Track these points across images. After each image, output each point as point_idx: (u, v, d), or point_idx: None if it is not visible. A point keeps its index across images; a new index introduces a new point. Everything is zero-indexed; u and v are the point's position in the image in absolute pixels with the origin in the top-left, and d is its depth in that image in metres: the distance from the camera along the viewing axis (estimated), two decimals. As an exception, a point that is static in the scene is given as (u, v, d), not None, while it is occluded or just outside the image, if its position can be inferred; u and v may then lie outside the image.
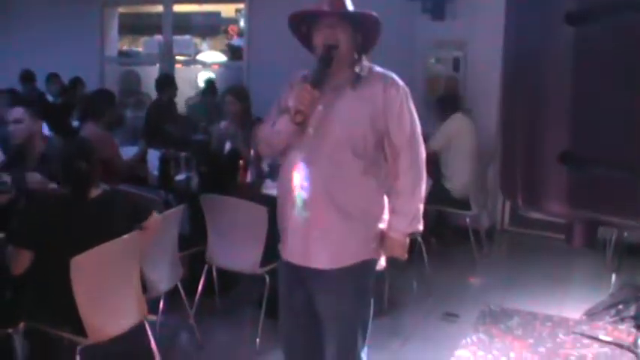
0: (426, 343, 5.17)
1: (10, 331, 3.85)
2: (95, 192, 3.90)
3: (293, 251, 3.31)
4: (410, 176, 3.25)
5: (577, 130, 1.56)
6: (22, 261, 3.74)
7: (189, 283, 5.07)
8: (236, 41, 12.34)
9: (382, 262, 3.41)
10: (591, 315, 5.58)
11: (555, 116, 1.60)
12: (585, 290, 6.15)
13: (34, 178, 4.69)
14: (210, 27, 13.22)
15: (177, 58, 11.54)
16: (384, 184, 3.29)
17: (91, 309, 3.74)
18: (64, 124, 7.71)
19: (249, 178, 5.64)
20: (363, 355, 3.37)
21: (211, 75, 12.14)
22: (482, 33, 7.94)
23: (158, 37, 11.81)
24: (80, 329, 3.71)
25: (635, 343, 4.99)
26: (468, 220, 7.26)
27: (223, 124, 6.45)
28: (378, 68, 3.39)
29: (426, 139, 7.16)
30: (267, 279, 4.84)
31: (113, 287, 3.92)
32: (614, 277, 6.30)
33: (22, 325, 3.87)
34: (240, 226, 4.98)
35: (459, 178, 7.20)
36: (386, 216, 3.31)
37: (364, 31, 3.33)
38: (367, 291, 3.34)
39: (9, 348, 3.86)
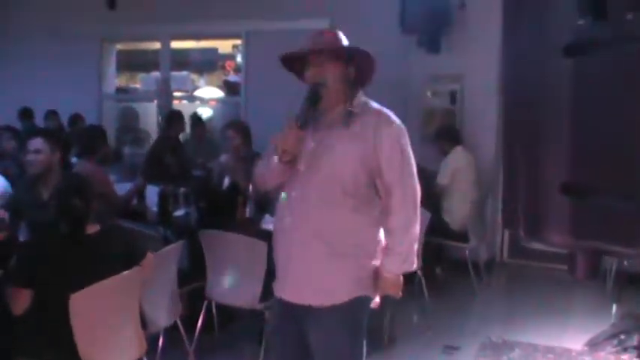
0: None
1: (7, 368, 3.81)
2: (92, 229, 3.89)
3: (285, 288, 3.31)
4: (402, 215, 3.20)
5: (577, 161, 1.57)
6: (22, 300, 3.71)
7: (189, 319, 5.03)
8: (233, 77, 12.40)
9: (376, 299, 3.38)
10: (593, 345, 5.55)
11: (555, 147, 1.60)
12: (586, 321, 6.12)
13: None
14: (207, 63, 13.28)
15: (175, 94, 11.57)
16: (378, 221, 3.26)
17: (90, 346, 3.71)
18: (64, 162, 7.71)
19: (247, 213, 5.64)
20: None
21: (202, 110, 12.19)
22: (478, 66, 8.00)
23: (156, 74, 11.85)
24: (79, 365, 3.69)
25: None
26: (467, 252, 7.25)
27: (223, 157, 6.46)
28: (373, 104, 3.36)
29: (425, 175, 7.22)
30: (267, 314, 4.82)
31: (112, 324, 3.89)
32: (615, 307, 6.28)
33: (20, 361, 3.84)
34: (240, 262, 4.97)
35: (458, 211, 7.22)
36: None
37: (358, 66, 3.34)
38: (360, 328, 3.28)
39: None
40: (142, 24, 10.64)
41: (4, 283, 3.80)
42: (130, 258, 3.96)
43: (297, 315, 3.28)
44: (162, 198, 5.94)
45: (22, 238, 4.62)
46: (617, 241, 1.61)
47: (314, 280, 3.20)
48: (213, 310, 5.36)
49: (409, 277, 5.95)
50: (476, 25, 7.97)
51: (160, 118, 10.74)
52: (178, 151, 8.67)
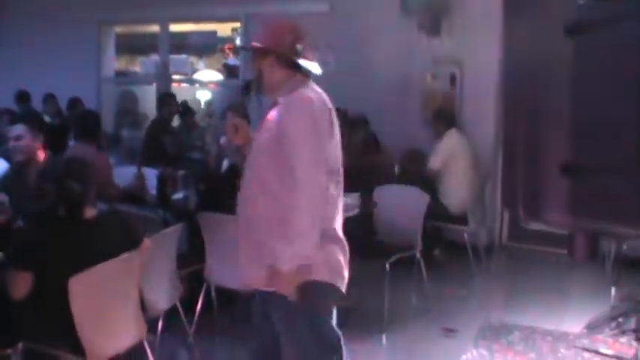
0: (426, 359, 5.16)
1: (8, 351, 3.82)
2: (91, 212, 3.89)
3: (244, 275, 3.43)
4: (299, 211, 3.13)
5: (578, 141, 1.57)
6: (22, 284, 3.71)
7: (188, 302, 5.04)
8: (232, 60, 12.37)
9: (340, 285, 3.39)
10: (592, 328, 5.57)
11: (556, 127, 1.60)
12: (585, 304, 6.14)
13: None
14: (206, 46, 13.25)
15: (174, 77, 11.55)
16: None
17: (90, 329, 3.72)
18: (61, 145, 7.71)
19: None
20: None
21: (201, 93, 12.15)
22: (478, 49, 7.98)
23: (155, 57, 11.83)
24: (79, 349, 3.69)
25: (636, 355, 4.98)
26: (465, 235, 7.26)
27: (223, 140, 6.44)
28: (302, 92, 3.32)
29: (421, 158, 7.21)
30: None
31: (112, 307, 3.90)
32: (613, 290, 6.29)
33: (20, 345, 3.84)
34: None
35: (455, 194, 7.22)
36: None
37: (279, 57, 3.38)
38: (311, 313, 3.31)
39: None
40: (140, 7, 10.60)
41: (3, 267, 3.81)
42: (128, 242, 3.96)
43: (261, 299, 3.39)
44: (161, 181, 5.93)
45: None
46: (617, 222, 1.61)
47: (260, 265, 3.25)
48: (213, 293, 5.37)
49: (408, 260, 6.01)
50: (476, 9, 7.95)
51: (159, 101, 10.71)
52: (173, 133, 8.67)
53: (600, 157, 1.56)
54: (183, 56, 12.84)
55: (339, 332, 3.45)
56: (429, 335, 5.54)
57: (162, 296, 4.59)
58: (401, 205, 6.23)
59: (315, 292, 3.26)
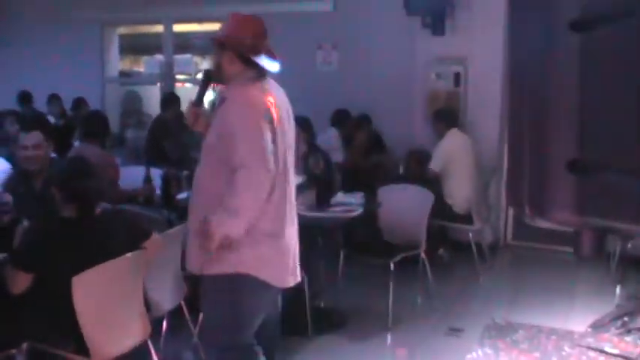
0: (432, 359, 5.14)
1: (13, 351, 3.82)
2: (95, 212, 3.90)
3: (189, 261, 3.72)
4: (237, 192, 3.33)
5: (584, 138, 1.55)
6: (20, 282, 3.73)
7: (193, 302, 5.02)
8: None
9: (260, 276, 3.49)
10: (597, 327, 5.55)
11: (562, 124, 1.58)
12: (590, 302, 6.11)
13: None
14: (210, 46, 13.25)
15: (178, 77, 11.56)
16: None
17: (94, 328, 3.72)
18: (66, 146, 7.71)
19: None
20: None
21: (210, 94, 12.10)
22: (482, 48, 7.97)
23: (159, 57, 11.83)
24: (84, 349, 3.69)
25: (642, 355, 4.97)
26: (470, 234, 7.24)
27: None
28: (244, 89, 3.52)
29: (426, 157, 7.18)
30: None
31: (116, 306, 3.90)
32: (618, 288, 6.28)
33: (25, 345, 3.84)
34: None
35: (459, 193, 7.21)
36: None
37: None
38: (219, 306, 3.59)
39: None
40: (144, 7, 10.61)
41: (4, 265, 3.81)
42: (133, 238, 3.96)
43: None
44: (166, 181, 5.93)
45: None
46: (624, 219, 1.59)
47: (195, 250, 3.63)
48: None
49: (413, 259, 6.00)
50: (481, 7, 7.93)
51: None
52: (177, 133, 8.64)
53: (607, 153, 1.54)
54: (188, 56, 12.85)
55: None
56: (434, 334, 5.53)
57: (167, 296, 4.58)
58: (405, 204, 6.22)
59: (239, 283, 3.47)
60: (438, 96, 8.39)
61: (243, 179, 3.30)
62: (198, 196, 3.59)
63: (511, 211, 7.91)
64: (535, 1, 1.68)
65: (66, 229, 3.82)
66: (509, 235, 8.39)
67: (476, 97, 8.18)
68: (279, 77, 3.60)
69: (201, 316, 5.01)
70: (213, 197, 3.40)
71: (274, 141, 3.40)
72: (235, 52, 3.51)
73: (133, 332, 4.02)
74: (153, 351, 4.16)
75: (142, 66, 13.64)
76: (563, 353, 5.10)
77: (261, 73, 3.54)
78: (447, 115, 7.61)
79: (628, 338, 5.33)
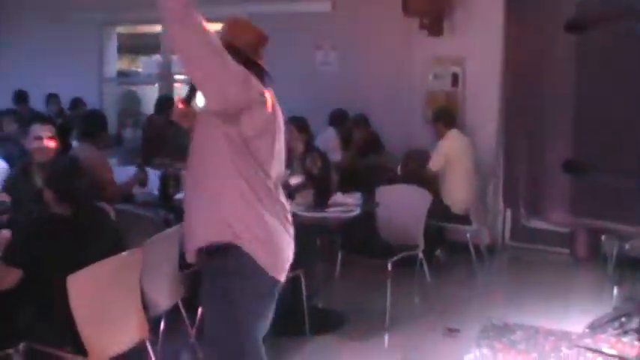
0: (428, 359, 5.15)
1: (10, 351, 3.81)
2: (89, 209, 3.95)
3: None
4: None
5: (579, 139, 1.56)
6: (9, 278, 3.74)
7: (190, 302, 5.03)
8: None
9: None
10: (594, 328, 5.56)
11: (558, 125, 1.59)
12: (587, 304, 6.12)
13: None
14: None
15: (177, 77, 11.53)
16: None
17: (91, 327, 3.72)
18: (64, 145, 7.71)
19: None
20: None
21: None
22: (480, 49, 7.98)
23: (157, 57, 11.82)
24: (81, 349, 3.70)
25: (639, 355, 4.97)
26: (468, 235, 7.25)
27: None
28: None
29: (424, 157, 7.18)
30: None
31: (113, 305, 3.89)
32: (616, 289, 6.29)
33: (22, 345, 3.84)
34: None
35: (458, 194, 7.22)
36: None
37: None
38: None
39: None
40: (142, 7, 10.58)
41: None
42: (117, 240, 4.01)
43: None
44: (164, 181, 5.93)
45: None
46: (618, 219, 1.60)
47: None
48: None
49: (410, 259, 6.00)
50: (478, 8, 7.94)
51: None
52: (172, 135, 8.62)
53: (602, 155, 1.55)
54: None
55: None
56: (432, 335, 5.53)
57: (164, 296, 4.58)
58: (403, 204, 6.22)
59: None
60: (436, 96, 8.40)
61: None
62: (200, 191, 3.32)
63: (509, 212, 7.92)
64: (530, 4, 1.69)
65: (58, 227, 3.84)
66: (507, 236, 8.38)
67: (473, 98, 8.19)
68: (277, 77, 3.55)
69: (199, 315, 5.04)
70: (222, 186, 3.24)
71: (268, 128, 3.29)
72: (236, 54, 3.29)
73: (130, 331, 4.01)
74: (150, 350, 4.15)
75: (141, 66, 13.64)
76: (561, 354, 5.12)
77: (261, 76, 3.38)
78: (446, 116, 7.62)
79: (625, 339, 5.35)
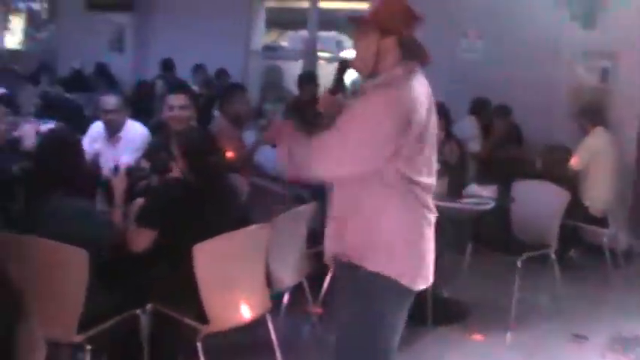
0: (551, 363, 5.01)
1: (137, 311, 3.96)
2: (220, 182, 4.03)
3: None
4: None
5: None
6: (142, 240, 3.91)
7: (315, 280, 5.05)
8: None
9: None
10: None
11: None
12: None
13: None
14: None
15: (321, 54, 11.60)
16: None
17: (214, 297, 3.82)
18: (206, 115, 7.91)
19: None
20: None
21: (353, 74, 12.12)
22: (635, 43, 7.61)
23: (303, 33, 11.91)
24: (202, 316, 3.80)
25: None
26: (604, 238, 6.96)
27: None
28: (387, 78, 3.02)
29: (565, 154, 6.92)
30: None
31: (237, 277, 3.99)
32: None
33: (149, 306, 3.97)
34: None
35: (597, 195, 6.96)
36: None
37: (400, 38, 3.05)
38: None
39: (136, 327, 3.96)
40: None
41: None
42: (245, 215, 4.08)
43: None
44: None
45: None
46: None
47: None
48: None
49: (541, 257, 5.81)
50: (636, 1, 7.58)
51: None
52: (312, 113, 8.65)
53: None
54: (332, 33, 12.85)
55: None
56: (556, 339, 5.36)
57: (289, 273, 4.62)
58: (539, 201, 6.02)
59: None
60: (583, 91, 8.09)
61: (327, 139, 2.95)
62: (349, 199, 3.09)
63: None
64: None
65: (191, 195, 3.95)
66: (646, 243, 8.00)
67: (621, 95, 7.83)
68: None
69: (321, 295, 5.09)
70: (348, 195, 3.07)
71: (421, 138, 3.00)
72: (399, 40, 3.02)
73: (252, 304, 4.08)
74: (270, 325, 4.20)
75: (286, 41, 13.78)
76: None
77: (417, 55, 3.07)
78: (594, 113, 7.34)
79: None
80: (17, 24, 16.28)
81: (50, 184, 3.90)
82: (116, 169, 4.53)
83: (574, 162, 7.06)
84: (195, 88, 10.55)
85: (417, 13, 3.07)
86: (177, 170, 4.10)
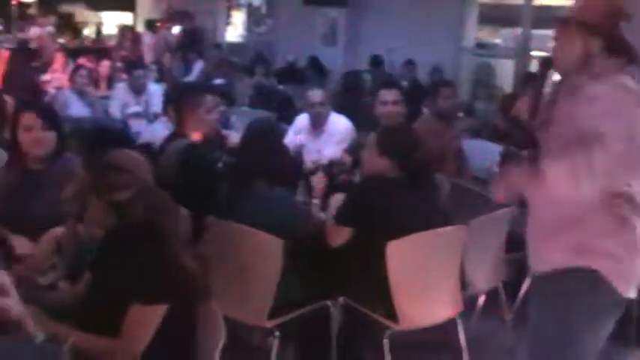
0: None
1: (329, 303, 4.00)
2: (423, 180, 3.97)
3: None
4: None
5: None
6: (339, 237, 3.93)
7: (512, 287, 4.87)
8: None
9: None
10: None
11: None
12: None
13: None
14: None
15: (534, 53, 11.20)
16: None
17: (405, 295, 3.79)
18: (414, 111, 7.87)
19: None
20: None
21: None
22: None
23: (516, 30, 11.57)
24: (392, 314, 3.78)
25: None
26: None
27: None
28: (604, 80, 2.83)
29: None
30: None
31: (430, 277, 3.93)
32: None
33: (340, 299, 4.01)
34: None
35: None
36: None
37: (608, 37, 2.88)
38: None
39: (326, 319, 4.01)
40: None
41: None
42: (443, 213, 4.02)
43: None
44: (504, 158, 5.78)
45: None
46: None
47: None
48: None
49: None
50: None
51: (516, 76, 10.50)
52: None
53: None
54: (547, 32, 12.39)
55: None
56: None
57: (484, 277, 4.49)
58: None
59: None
60: None
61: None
62: (552, 207, 2.96)
63: None
64: None
65: (391, 192, 3.91)
66: None
67: None
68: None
69: (517, 303, 4.90)
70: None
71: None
72: (597, 37, 2.87)
73: (443, 306, 4.02)
74: (460, 328, 4.11)
75: (499, 38, 13.43)
76: None
77: (619, 64, 2.88)
78: None
79: None
80: (238, 18, 17.03)
81: (254, 172, 4.03)
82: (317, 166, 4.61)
83: None
84: (404, 83, 10.57)
85: (624, 10, 2.91)
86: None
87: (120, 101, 8.02)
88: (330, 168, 4.91)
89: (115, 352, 2.62)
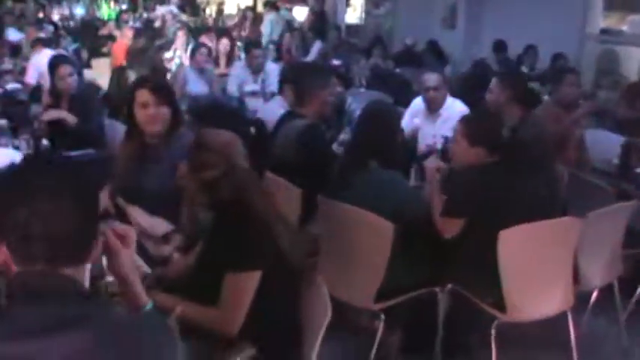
0: None
1: (437, 289, 3.97)
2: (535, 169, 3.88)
3: None
4: None
5: None
6: (450, 227, 3.87)
7: (629, 284, 4.69)
8: None
9: None
10: None
11: None
12: None
13: None
14: None
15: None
16: None
17: (515, 286, 3.72)
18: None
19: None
20: None
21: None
22: None
23: (646, 17, 11.13)
24: (501, 304, 3.71)
25: None
26: None
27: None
28: None
29: None
30: None
31: (542, 269, 3.83)
32: None
33: (449, 286, 3.98)
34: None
35: None
36: None
37: None
38: None
39: (433, 305, 3.99)
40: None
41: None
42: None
43: None
44: (626, 150, 5.59)
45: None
46: None
47: None
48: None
49: None
50: None
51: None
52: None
53: None
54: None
55: None
56: None
57: (598, 272, 4.34)
58: None
59: None
60: None
61: None
62: None
63: None
64: None
65: (502, 178, 3.84)
66: None
67: None
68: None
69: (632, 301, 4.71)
70: None
71: None
72: None
73: (554, 299, 3.92)
74: (571, 323, 3.99)
75: (627, 24, 12.92)
76: None
77: None
78: None
79: None
80: (357, 0, 16.99)
81: (367, 153, 4.02)
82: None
83: None
84: (524, 69, 10.32)
85: None
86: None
87: (238, 79, 8.16)
88: (445, 153, 4.84)
89: (216, 322, 2.77)
